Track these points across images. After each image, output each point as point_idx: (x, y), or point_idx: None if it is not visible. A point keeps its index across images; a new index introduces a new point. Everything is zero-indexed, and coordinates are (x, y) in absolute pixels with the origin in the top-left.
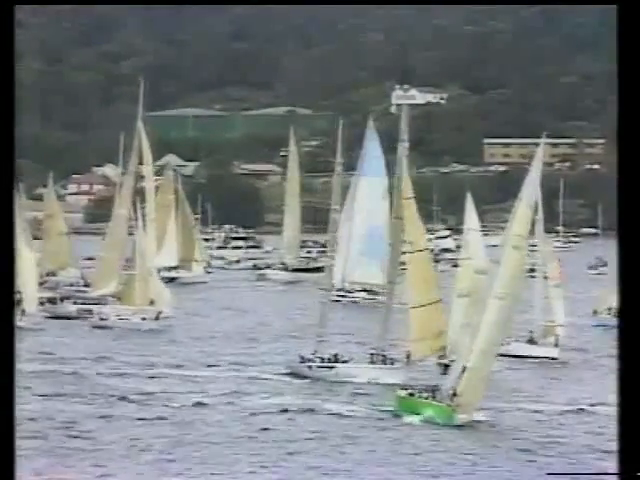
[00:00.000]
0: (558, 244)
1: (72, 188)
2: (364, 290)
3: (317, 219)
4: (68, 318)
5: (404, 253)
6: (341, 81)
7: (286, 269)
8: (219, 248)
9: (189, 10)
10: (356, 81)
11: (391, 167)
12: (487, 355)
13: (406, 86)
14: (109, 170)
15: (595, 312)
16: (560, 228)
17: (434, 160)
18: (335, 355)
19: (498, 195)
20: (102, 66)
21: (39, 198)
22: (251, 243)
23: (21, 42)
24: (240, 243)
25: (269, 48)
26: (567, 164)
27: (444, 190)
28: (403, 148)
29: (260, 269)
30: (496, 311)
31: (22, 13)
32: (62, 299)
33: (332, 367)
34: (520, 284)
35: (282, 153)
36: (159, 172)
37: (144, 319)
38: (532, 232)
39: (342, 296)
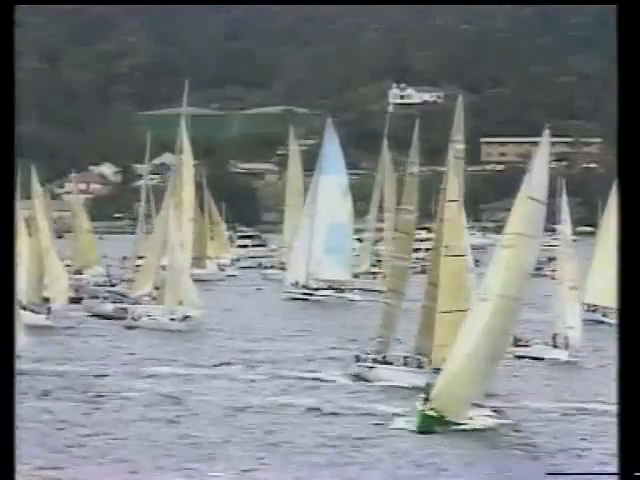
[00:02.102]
0: (556, 242)
1: (69, 187)
2: (330, 287)
3: None
4: (104, 317)
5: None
6: (338, 80)
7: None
8: (212, 239)
9: (186, 10)
10: (353, 80)
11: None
12: (473, 359)
13: (403, 85)
14: (106, 169)
15: None
16: (558, 226)
17: (431, 159)
18: (384, 356)
19: (494, 194)
20: (99, 65)
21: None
22: (257, 242)
23: (19, 41)
24: (246, 242)
25: (266, 47)
26: (564, 163)
27: (434, 189)
28: (455, 149)
29: (266, 268)
30: (480, 313)
31: (20, 12)
32: (93, 298)
33: (372, 367)
34: (513, 285)
35: (279, 152)
36: (156, 171)
37: (173, 319)
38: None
39: (308, 294)
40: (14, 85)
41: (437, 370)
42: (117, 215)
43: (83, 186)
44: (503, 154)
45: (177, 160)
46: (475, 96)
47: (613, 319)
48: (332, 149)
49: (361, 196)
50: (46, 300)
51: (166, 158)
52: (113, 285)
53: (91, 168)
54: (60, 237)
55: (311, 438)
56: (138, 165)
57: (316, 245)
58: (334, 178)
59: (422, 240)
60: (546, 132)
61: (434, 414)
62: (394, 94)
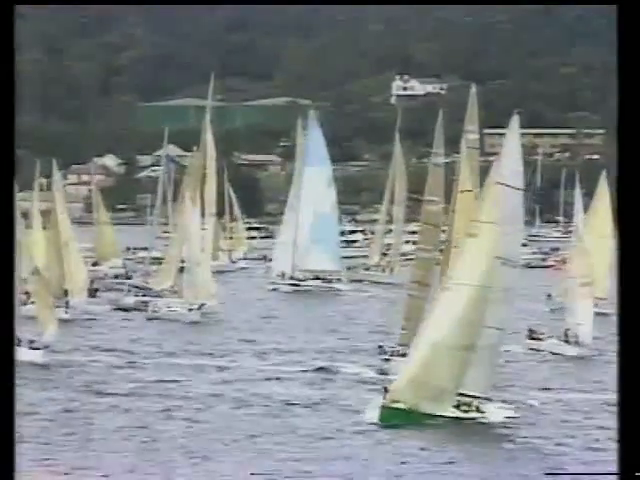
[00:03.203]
0: (558, 234)
1: (72, 178)
2: (317, 278)
3: None
4: (126, 309)
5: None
6: (341, 72)
7: None
8: (230, 238)
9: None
10: (356, 72)
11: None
12: (439, 349)
13: (406, 77)
14: (109, 160)
15: (549, 296)
16: (560, 218)
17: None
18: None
19: None
20: (102, 57)
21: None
22: (264, 234)
23: (21, 33)
24: (254, 233)
25: (268, 38)
26: (567, 154)
27: (444, 180)
28: (468, 139)
29: (271, 260)
30: (444, 302)
31: (22, 5)
32: (109, 290)
33: (389, 360)
34: (481, 273)
35: (282, 143)
36: (158, 162)
37: (190, 310)
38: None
39: (295, 285)
40: (14, 84)
41: None
42: (120, 206)
43: (86, 178)
44: None
45: (197, 153)
46: (478, 87)
47: (603, 309)
48: (315, 140)
49: (365, 187)
50: (65, 293)
51: (169, 150)
52: (129, 277)
53: (94, 160)
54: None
55: None
56: (141, 156)
57: (301, 236)
58: (318, 169)
59: (414, 232)
60: (515, 117)
61: (397, 406)
62: (397, 86)
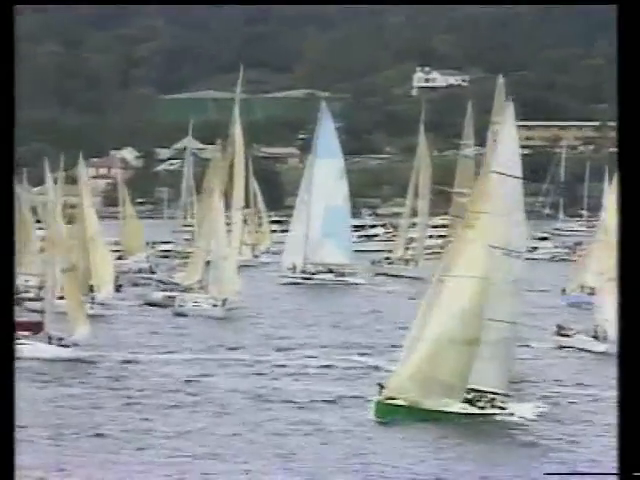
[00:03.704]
0: (582, 228)
1: (90, 172)
2: (330, 271)
3: None
4: (153, 305)
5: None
6: (361, 63)
7: None
8: (256, 232)
9: None
10: (376, 63)
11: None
12: (437, 343)
13: (427, 68)
14: (127, 153)
15: (564, 291)
16: (584, 212)
17: (457, 143)
18: None
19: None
20: (120, 49)
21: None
22: (284, 227)
23: (39, 26)
24: (274, 227)
25: (288, 30)
26: (591, 147)
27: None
28: (496, 131)
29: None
30: (445, 296)
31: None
32: (134, 285)
33: None
34: (478, 265)
35: (302, 136)
36: (176, 155)
37: (215, 306)
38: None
39: (307, 278)
40: (14, 85)
41: None
42: (139, 200)
43: (104, 171)
44: (529, 138)
45: (221, 146)
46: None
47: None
48: (327, 132)
49: (385, 181)
50: (90, 289)
51: (187, 143)
52: (153, 272)
53: (112, 153)
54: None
55: None
56: (159, 149)
57: (313, 229)
58: (329, 161)
59: (437, 227)
60: (510, 105)
61: (395, 402)
62: (419, 77)
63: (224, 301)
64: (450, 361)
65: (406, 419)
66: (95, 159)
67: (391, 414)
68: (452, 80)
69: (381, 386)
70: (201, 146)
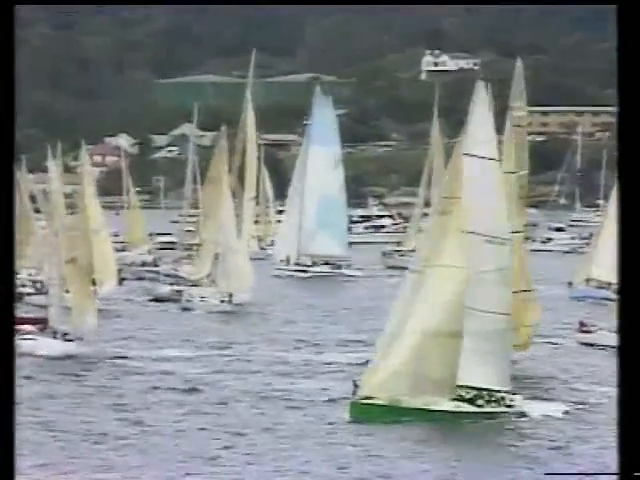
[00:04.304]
0: (599, 218)
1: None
2: (326, 263)
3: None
4: (161, 300)
5: None
6: (367, 47)
7: None
8: (268, 222)
9: None
10: (383, 47)
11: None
12: (429, 337)
13: (437, 52)
14: (123, 140)
15: (570, 284)
16: (601, 202)
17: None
18: None
19: (535, 166)
20: (115, 31)
21: (47, 170)
22: None
23: (31, 8)
24: (280, 217)
25: (290, 12)
26: (608, 134)
27: None
28: (514, 117)
29: None
30: (413, 285)
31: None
32: (138, 279)
33: None
34: (453, 254)
35: (305, 122)
36: (174, 142)
37: (223, 301)
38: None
39: (302, 271)
40: (14, 85)
41: None
42: (135, 189)
43: (99, 158)
44: (545, 124)
45: (224, 132)
46: (513, 63)
47: None
48: (322, 117)
49: (393, 169)
50: (93, 282)
51: (186, 129)
52: (157, 265)
53: (107, 140)
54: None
55: None
56: (156, 136)
57: (307, 220)
58: (325, 149)
59: None
60: (481, 84)
61: (373, 402)
62: (427, 61)
63: (230, 296)
64: (438, 356)
65: (386, 419)
66: (88, 146)
67: (368, 414)
68: (462, 64)
69: (355, 385)
70: (200, 133)
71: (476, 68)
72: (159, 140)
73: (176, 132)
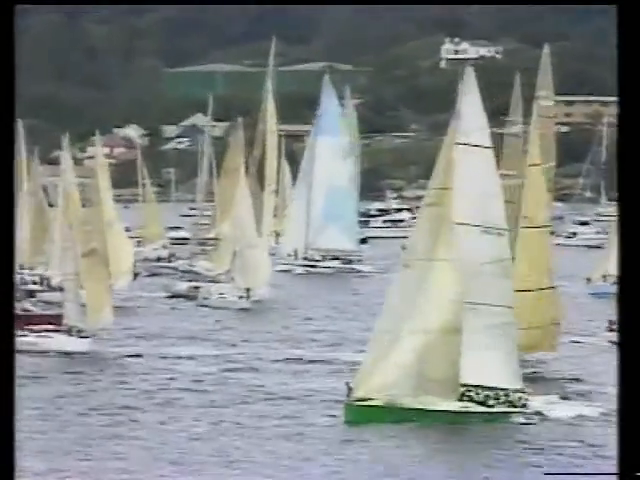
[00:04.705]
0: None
1: (91, 151)
2: (336, 258)
3: (366, 185)
4: (178, 296)
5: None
6: (385, 34)
7: None
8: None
9: None
10: (401, 34)
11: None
12: (430, 335)
13: (457, 39)
14: (132, 131)
15: (589, 280)
16: None
17: (489, 120)
18: None
19: (560, 158)
20: (123, 19)
21: (54, 162)
22: None
23: None
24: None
25: None
26: None
27: (499, 153)
28: (540, 106)
29: None
30: (406, 280)
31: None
32: (152, 275)
33: None
34: (445, 246)
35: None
36: (184, 133)
37: (241, 297)
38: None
39: (310, 266)
40: (14, 85)
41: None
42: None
43: (107, 150)
44: (569, 114)
45: (240, 123)
46: (536, 51)
47: None
48: (330, 107)
49: (412, 161)
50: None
51: (197, 119)
52: (170, 261)
53: (115, 130)
54: (83, 206)
55: None
56: (166, 127)
57: (314, 213)
58: (333, 139)
59: None
60: (470, 69)
61: (372, 404)
62: (447, 49)
63: (248, 292)
64: (442, 355)
65: (384, 421)
66: (96, 137)
67: (365, 416)
68: (484, 51)
69: (349, 387)
70: (212, 123)
71: (498, 56)
72: (169, 131)
73: (187, 123)
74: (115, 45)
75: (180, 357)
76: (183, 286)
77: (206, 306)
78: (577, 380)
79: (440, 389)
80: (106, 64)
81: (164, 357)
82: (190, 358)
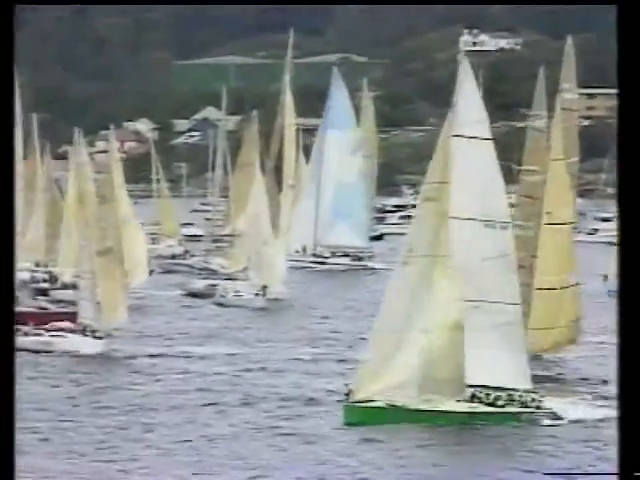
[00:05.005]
0: None
1: (100, 145)
2: (346, 255)
3: (382, 180)
4: (195, 295)
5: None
6: (401, 25)
7: None
8: None
9: None
10: (418, 26)
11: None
12: (433, 333)
13: (475, 31)
14: (142, 125)
15: (606, 277)
16: None
17: (508, 114)
18: None
19: (581, 153)
20: (132, 11)
21: (63, 157)
22: None
23: None
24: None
25: None
26: None
27: (517, 147)
28: (564, 99)
29: None
30: (399, 279)
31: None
32: (166, 272)
33: None
34: (443, 242)
35: None
36: (195, 127)
37: (257, 294)
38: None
39: (319, 262)
40: (14, 85)
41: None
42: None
43: (117, 144)
44: (591, 108)
45: (254, 117)
46: (558, 43)
47: None
48: (340, 100)
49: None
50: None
51: (208, 113)
52: (184, 258)
53: (125, 124)
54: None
55: None
56: (177, 121)
57: (323, 209)
58: (343, 133)
59: None
60: (465, 58)
61: (375, 405)
62: (466, 41)
63: (264, 289)
64: (446, 353)
65: (386, 422)
66: (106, 131)
67: (367, 418)
68: (503, 43)
69: (349, 390)
70: (223, 116)
71: (518, 48)
72: (180, 125)
73: (198, 116)
74: (124, 37)
75: (195, 356)
76: (200, 284)
77: (222, 304)
78: (603, 382)
79: (445, 389)
80: (115, 56)
81: (179, 357)
82: (205, 358)
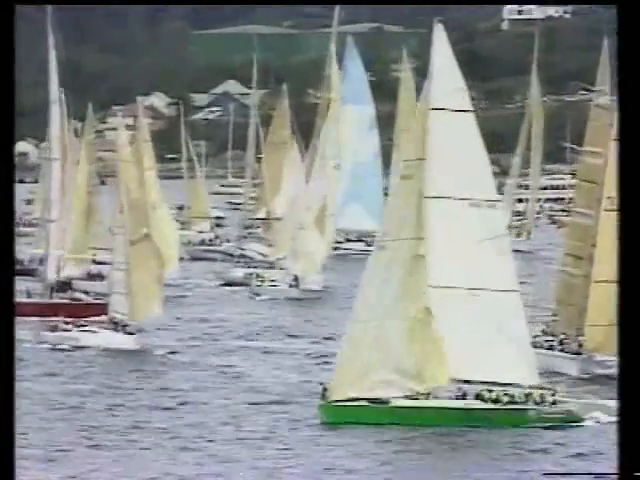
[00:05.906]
0: None
1: (113, 121)
2: (360, 240)
3: None
4: (232, 285)
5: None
6: None
7: None
8: None
9: None
10: None
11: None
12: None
13: None
14: (157, 100)
15: None
16: None
17: (557, 87)
18: (561, 340)
19: None
20: None
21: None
22: None
23: None
24: None
25: None
26: None
27: (569, 123)
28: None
29: None
30: (375, 265)
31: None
32: (196, 259)
33: None
34: (419, 228)
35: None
36: (215, 102)
37: (291, 285)
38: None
39: (332, 248)
40: (14, 85)
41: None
42: (171, 156)
43: (130, 121)
44: None
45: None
46: (609, 11)
47: None
48: (354, 73)
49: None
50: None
51: (229, 86)
52: (214, 244)
53: (139, 99)
54: (103, 183)
55: None
56: (195, 95)
57: (337, 190)
58: (357, 108)
59: (545, 188)
60: (439, 25)
61: (348, 403)
62: (510, 9)
63: (297, 279)
64: (423, 342)
65: (366, 420)
66: (118, 107)
67: (345, 417)
68: (551, 11)
69: (324, 388)
70: (245, 90)
71: (567, 16)
72: (199, 99)
73: (218, 90)
74: (139, 6)
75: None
76: (239, 273)
77: (258, 294)
78: None
79: (422, 382)
80: (129, 27)
81: (214, 354)
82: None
